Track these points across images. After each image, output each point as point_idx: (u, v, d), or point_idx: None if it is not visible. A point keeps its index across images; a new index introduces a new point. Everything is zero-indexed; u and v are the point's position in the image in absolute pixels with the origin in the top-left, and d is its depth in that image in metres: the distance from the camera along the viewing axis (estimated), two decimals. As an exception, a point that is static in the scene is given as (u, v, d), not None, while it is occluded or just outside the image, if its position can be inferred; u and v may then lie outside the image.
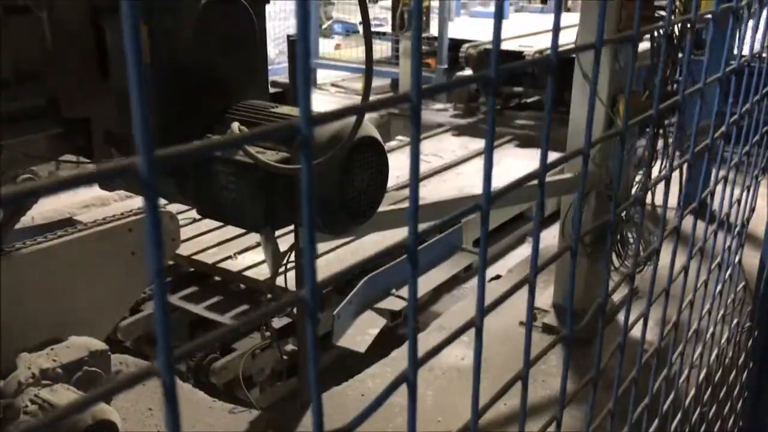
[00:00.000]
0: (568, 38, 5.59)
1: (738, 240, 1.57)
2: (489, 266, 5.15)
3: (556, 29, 0.73)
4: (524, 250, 5.75)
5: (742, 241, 1.61)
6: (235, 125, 1.97)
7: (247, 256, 4.20)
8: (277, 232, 2.13)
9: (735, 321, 1.62)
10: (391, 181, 6.37)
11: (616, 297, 3.73)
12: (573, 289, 1.20)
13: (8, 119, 2.20)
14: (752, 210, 1.62)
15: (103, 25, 2.03)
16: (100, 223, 3.13)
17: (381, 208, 3.61)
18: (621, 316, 1.42)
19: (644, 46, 3.69)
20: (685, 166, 1.35)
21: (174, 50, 2.05)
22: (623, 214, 3.59)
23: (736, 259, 1.57)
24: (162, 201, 4.92)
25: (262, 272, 3.95)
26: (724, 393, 1.73)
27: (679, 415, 1.48)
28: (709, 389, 1.69)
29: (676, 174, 1.47)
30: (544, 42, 7.80)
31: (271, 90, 2.62)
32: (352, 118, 2.01)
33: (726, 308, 1.60)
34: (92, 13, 2.12)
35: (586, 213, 3.50)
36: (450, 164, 6.60)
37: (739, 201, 1.58)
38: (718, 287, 1.54)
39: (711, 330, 1.62)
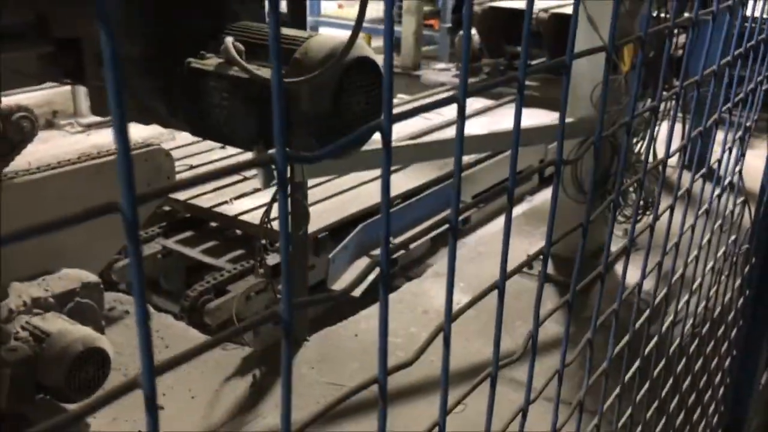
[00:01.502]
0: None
1: (731, 189, 1.55)
2: (489, 221, 5.13)
3: None
4: (520, 210, 5.73)
5: (738, 187, 1.59)
6: (229, 40, 1.92)
7: (243, 202, 4.16)
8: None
9: (732, 237, 1.59)
10: (393, 136, 6.37)
11: (614, 247, 3.70)
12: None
13: (-3, 35, 2.14)
14: (742, 155, 1.60)
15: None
16: (94, 156, 3.10)
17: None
18: (618, 267, 1.40)
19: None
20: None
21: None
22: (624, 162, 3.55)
23: (729, 205, 1.54)
24: (157, 136, 4.88)
25: (258, 217, 3.93)
26: (718, 324, 1.71)
27: (676, 342, 1.46)
28: (707, 324, 1.67)
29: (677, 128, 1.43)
30: (550, 1, 7.69)
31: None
32: (345, 38, 1.96)
33: (716, 260, 1.58)
34: None
35: (587, 161, 3.46)
36: (450, 122, 6.54)
37: (730, 149, 1.56)
38: (707, 235, 1.52)
39: (709, 265, 1.59)
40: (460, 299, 3.60)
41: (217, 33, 2.11)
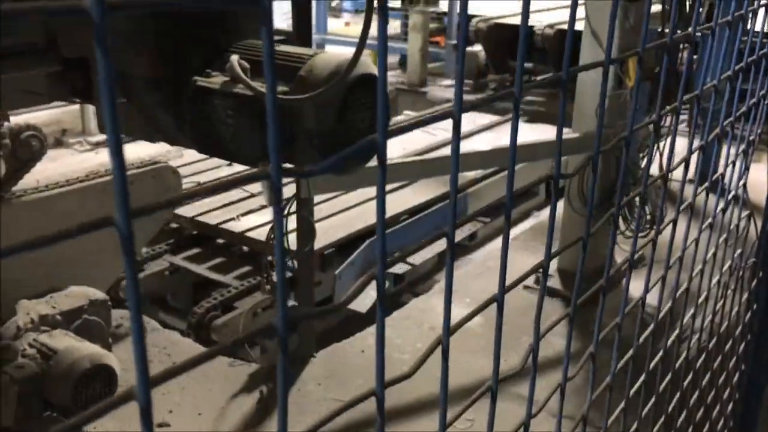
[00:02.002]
0: (578, 14, 5.52)
1: (735, 203, 1.55)
2: (492, 239, 5.12)
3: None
4: (527, 225, 5.72)
5: (741, 201, 1.59)
6: (234, 58, 1.94)
7: (250, 218, 4.18)
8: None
9: (738, 251, 1.58)
10: (398, 152, 6.36)
11: (620, 260, 3.69)
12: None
13: (7, 53, 2.17)
14: (746, 169, 1.61)
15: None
16: (102, 174, 3.12)
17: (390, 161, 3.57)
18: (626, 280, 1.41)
19: (656, 8, 3.63)
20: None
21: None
22: (630, 177, 3.55)
23: (735, 219, 1.54)
24: (164, 153, 4.91)
25: (265, 233, 3.94)
26: (725, 338, 1.71)
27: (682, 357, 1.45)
28: (714, 338, 1.66)
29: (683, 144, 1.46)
30: (557, 17, 7.72)
31: (276, 38, 2.58)
32: (349, 56, 1.97)
33: (722, 274, 1.58)
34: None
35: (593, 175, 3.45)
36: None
37: (734, 162, 1.56)
38: (712, 249, 1.52)
39: (716, 279, 1.59)
40: (464, 313, 3.60)
41: (223, 51, 2.14)
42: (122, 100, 2.37)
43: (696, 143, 1.42)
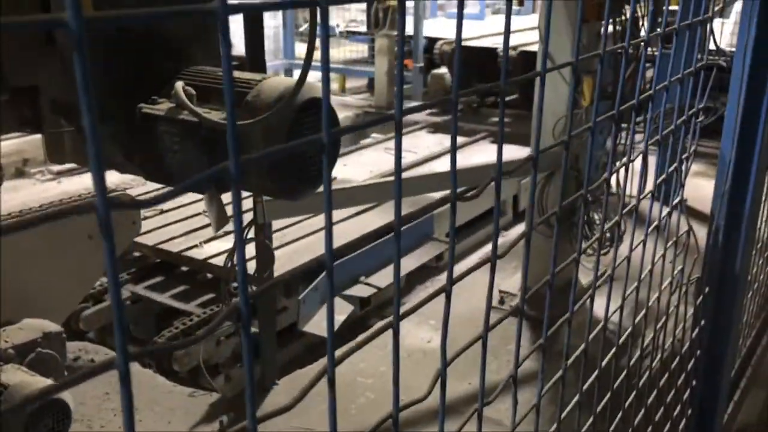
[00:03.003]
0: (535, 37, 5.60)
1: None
2: (462, 259, 5.12)
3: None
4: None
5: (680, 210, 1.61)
6: (179, 85, 1.93)
7: (213, 245, 4.14)
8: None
9: (679, 268, 1.59)
10: (364, 175, 6.34)
11: (584, 279, 3.72)
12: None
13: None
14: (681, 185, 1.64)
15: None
16: (56, 205, 3.07)
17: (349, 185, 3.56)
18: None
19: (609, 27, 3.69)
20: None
21: (119, 9, 1.99)
22: (589, 195, 3.58)
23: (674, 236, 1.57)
24: (128, 181, 4.85)
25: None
26: (670, 354, 1.71)
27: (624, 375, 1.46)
28: (658, 356, 1.67)
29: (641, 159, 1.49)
30: (517, 40, 7.82)
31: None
32: (295, 81, 1.97)
33: (660, 291, 1.60)
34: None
35: (553, 193, 3.48)
36: (424, 159, 6.59)
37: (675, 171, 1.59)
38: (648, 267, 1.54)
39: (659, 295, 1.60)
40: (431, 337, 3.59)
41: (171, 77, 2.12)
42: (69, 129, 2.34)
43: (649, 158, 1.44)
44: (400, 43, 0.77)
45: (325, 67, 0.62)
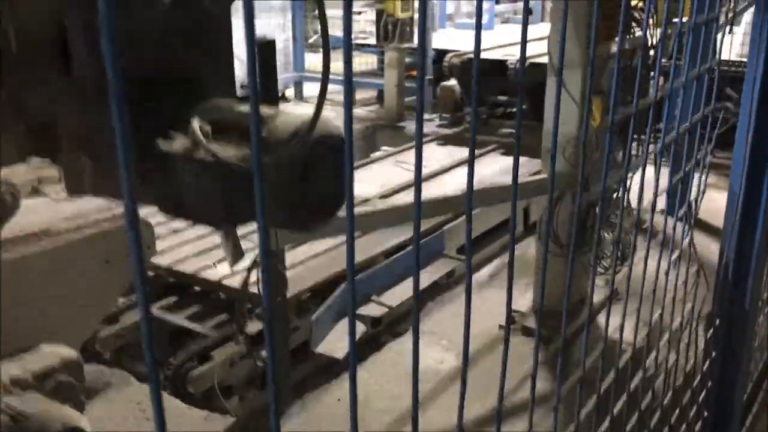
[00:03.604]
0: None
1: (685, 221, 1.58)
2: (473, 273, 5.14)
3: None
4: (505, 259, 5.74)
5: (690, 222, 1.62)
6: (195, 122, 1.96)
7: (226, 265, 4.17)
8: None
9: (689, 305, 1.61)
10: (375, 190, 6.37)
11: (596, 297, 3.73)
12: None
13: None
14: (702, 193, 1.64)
15: (65, 22, 2.03)
16: (73, 230, 3.12)
17: (357, 210, 3.59)
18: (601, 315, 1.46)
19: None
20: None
21: (138, 48, 2.04)
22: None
23: (686, 241, 1.58)
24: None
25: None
26: (683, 384, 1.73)
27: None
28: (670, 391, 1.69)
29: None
30: (531, 49, 7.83)
31: (241, 92, 2.62)
32: (309, 116, 2.00)
33: (671, 332, 1.62)
34: (56, 11, 2.11)
35: (563, 214, 3.50)
36: (434, 173, 6.61)
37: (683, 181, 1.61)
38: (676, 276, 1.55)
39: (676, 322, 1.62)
40: (443, 357, 3.61)
41: (187, 111, 2.16)
42: (86, 160, 2.39)
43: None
44: (419, 61, 0.79)
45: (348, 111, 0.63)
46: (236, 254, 1.86)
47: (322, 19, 2.13)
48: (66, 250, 3.11)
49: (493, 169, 6.56)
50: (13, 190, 3.31)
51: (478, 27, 0.79)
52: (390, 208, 3.38)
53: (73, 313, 3.13)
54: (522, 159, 6.10)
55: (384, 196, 5.88)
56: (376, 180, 6.42)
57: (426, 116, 8.84)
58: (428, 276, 4.59)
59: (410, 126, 8.54)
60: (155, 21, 2.07)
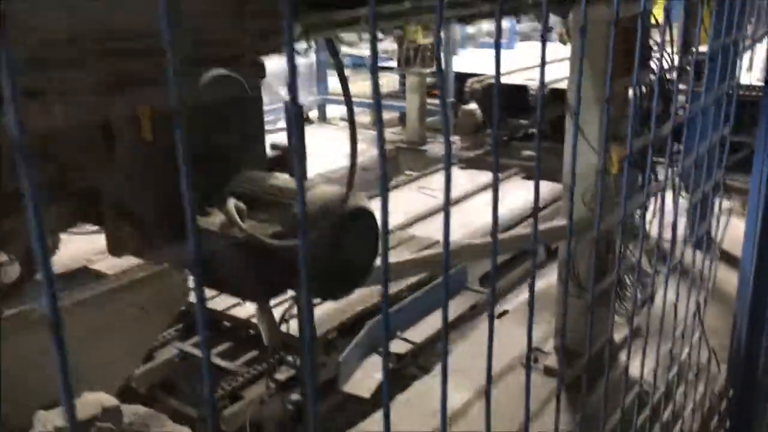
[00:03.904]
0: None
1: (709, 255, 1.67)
2: (495, 303, 5.22)
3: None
4: (525, 294, 5.80)
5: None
6: (231, 202, 2.08)
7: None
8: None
9: (701, 387, 1.69)
10: (399, 218, 6.46)
11: (617, 336, 3.79)
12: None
13: (18, 194, 2.32)
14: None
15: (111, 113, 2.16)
16: (112, 281, 3.26)
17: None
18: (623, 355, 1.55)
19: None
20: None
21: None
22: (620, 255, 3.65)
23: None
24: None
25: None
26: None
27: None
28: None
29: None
30: (551, 73, 7.89)
31: (271, 153, 2.75)
32: (340, 192, 2.11)
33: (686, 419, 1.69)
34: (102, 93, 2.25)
35: (582, 252, 3.57)
36: (456, 199, 6.69)
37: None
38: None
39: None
40: (467, 397, 3.68)
41: (223, 184, 2.28)
42: (128, 228, 2.52)
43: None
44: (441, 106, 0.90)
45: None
46: (272, 334, 1.97)
47: (343, 83, 2.25)
48: (105, 298, 3.26)
49: (516, 197, 6.61)
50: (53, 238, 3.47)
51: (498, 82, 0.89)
52: (418, 257, 3.48)
53: (113, 360, 3.27)
54: (542, 183, 6.13)
55: (407, 225, 5.98)
56: (399, 207, 6.52)
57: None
58: (452, 310, 4.68)
59: (432, 149, 8.64)
60: (194, 101, 2.21)
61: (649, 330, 1.93)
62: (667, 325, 1.88)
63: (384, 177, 0.74)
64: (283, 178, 2.34)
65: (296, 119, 0.64)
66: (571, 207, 3.35)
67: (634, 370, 1.92)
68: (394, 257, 4.78)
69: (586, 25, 1.21)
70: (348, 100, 2.09)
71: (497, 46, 0.93)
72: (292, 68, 0.62)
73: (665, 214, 2.46)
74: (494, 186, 1.04)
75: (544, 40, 1.03)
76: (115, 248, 2.64)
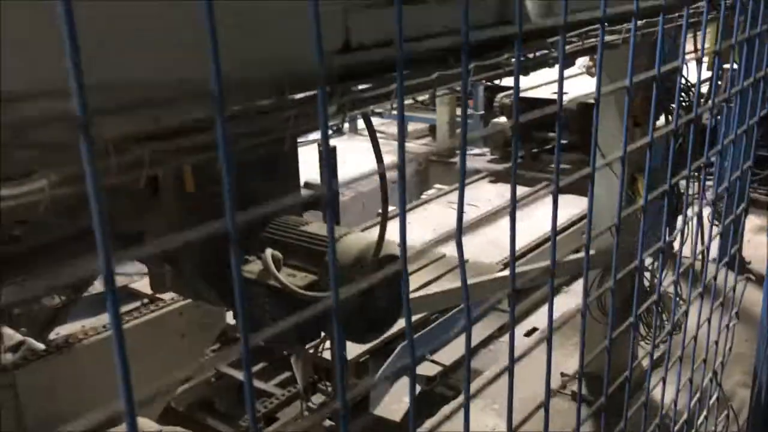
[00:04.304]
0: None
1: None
2: (522, 321, 5.28)
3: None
4: (559, 301, 5.84)
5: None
6: (269, 253, 2.20)
7: (289, 324, 4.43)
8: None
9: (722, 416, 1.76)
10: (428, 234, 6.53)
11: (645, 363, 3.83)
12: None
13: (68, 239, 2.48)
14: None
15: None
16: (153, 309, 3.42)
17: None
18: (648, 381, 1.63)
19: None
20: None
21: (215, 179, 2.29)
22: (647, 285, 3.70)
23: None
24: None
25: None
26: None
27: None
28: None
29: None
30: (579, 86, 7.91)
31: (305, 192, 2.88)
32: (374, 238, 2.22)
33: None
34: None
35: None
36: (485, 215, 6.75)
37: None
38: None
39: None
40: (496, 424, 3.76)
41: (260, 229, 2.41)
42: (169, 269, 2.66)
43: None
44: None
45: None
46: (306, 374, 2.08)
47: (375, 144, 2.35)
48: (146, 326, 3.41)
49: (545, 213, 6.65)
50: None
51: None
52: (441, 291, 3.58)
53: (152, 385, 3.42)
54: (569, 197, 6.16)
55: (437, 242, 6.06)
56: (429, 223, 6.61)
57: (476, 151, 8.99)
58: (480, 332, 4.76)
59: (462, 162, 8.71)
60: (238, 155, 2.33)
61: (678, 357, 1.98)
62: (696, 350, 1.94)
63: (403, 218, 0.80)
64: (317, 225, 2.45)
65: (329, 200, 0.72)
66: (588, 246, 3.41)
67: (658, 397, 1.98)
68: (423, 277, 4.90)
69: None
70: (380, 161, 2.20)
71: (516, 95, 0.99)
72: (327, 151, 0.70)
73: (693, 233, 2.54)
74: (511, 236, 1.08)
75: (561, 77, 1.07)
76: (156, 285, 2.79)
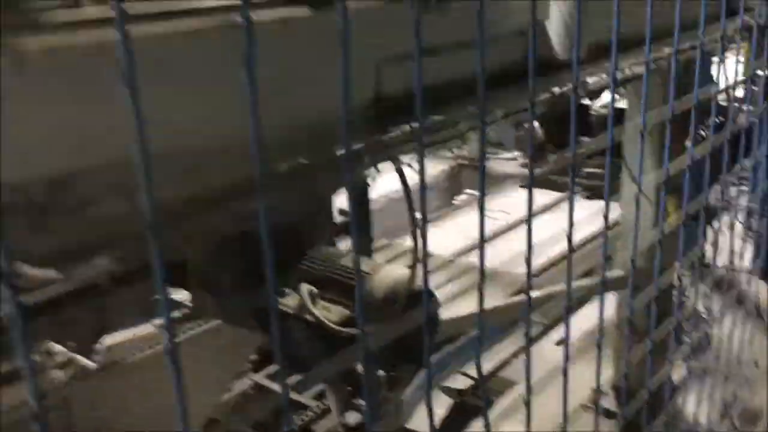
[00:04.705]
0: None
1: None
2: (551, 329, 5.29)
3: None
4: (590, 309, 5.83)
5: None
6: (305, 289, 2.27)
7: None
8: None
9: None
10: (459, 243, 6.53)
11: (675, 377, 3.84)
12: None
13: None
14: None
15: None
16: (192, 327, 3.53)
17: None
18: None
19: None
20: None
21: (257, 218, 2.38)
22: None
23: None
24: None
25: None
26: None
27: None
28: None
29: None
30: (608, 95, 7.86)
31: (339, 218, 2.97)
32: (405, 274, 2.29)
33: None
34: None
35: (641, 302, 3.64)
36: (516, 223, 6.74)
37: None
38: None
39: None
40: (525, 437, 3.79)
41: (296, 261, 2.48)
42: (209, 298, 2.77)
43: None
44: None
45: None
46: (342, 407, 2.15)
47: (404, 183, 2.42)
48: (187, 343, 3.52)
49: (581, 216, 6.62)
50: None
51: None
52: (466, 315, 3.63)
53: (195, 401, 3.53)
54: (599, 203, 6.09)
55: (468, 251, 6.10)
56: (460, 231, 6.62)
57: (509, 155, 8.98)
58: (513, 342, 4.79)
59: (494, 166, 8.71)
60: (277, 200, 2.42)
61: (708, 372, 2.01)
62: (727, 364, 1.96)
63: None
64: (351, 257, 2.53)
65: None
66: (604, 267, 3.41)
67: (691, 411, 1.99)
68: (452, 288, 4.95)
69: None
70: (410, 206, 2.26)
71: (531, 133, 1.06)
72: (354, 208, 0.77)
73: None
74: (527, 255, 1.15)
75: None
76: (196, 312, 2.90)
